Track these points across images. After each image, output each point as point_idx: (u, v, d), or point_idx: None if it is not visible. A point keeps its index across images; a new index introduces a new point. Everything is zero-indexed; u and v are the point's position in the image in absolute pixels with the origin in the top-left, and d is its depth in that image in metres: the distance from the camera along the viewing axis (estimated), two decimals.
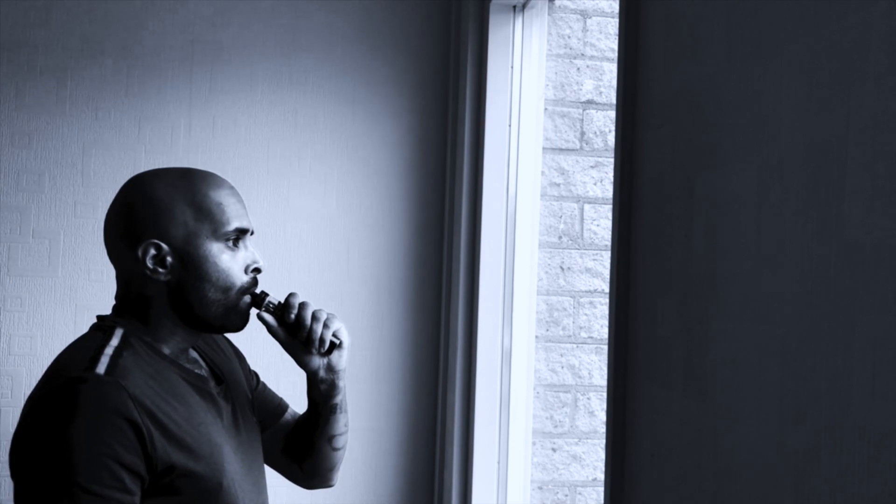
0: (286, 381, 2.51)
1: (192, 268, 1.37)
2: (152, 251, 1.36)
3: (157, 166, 1.56)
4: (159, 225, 1.37)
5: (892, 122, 0.85)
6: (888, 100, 0.85)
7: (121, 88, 2.41)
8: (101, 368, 1.27)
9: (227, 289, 1.39)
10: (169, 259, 1.37)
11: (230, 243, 1.40)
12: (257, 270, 1.44)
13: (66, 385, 1.26)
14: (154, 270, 1.37)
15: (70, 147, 2.38)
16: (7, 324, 2.33)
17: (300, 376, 2.68)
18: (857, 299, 0.89)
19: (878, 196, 0.86)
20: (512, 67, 2.41)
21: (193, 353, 1.49)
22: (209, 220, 1.38)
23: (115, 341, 1.34)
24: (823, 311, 0.94)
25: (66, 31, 2.38)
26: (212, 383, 1.45)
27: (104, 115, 2.40)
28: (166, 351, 1.40)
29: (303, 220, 2.50)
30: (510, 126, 2.42)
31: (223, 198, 1.41)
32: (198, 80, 2.45)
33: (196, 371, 1.44)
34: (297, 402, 2.51)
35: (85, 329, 1.44)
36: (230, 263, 1.40)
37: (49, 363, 1.35)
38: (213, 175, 1.45)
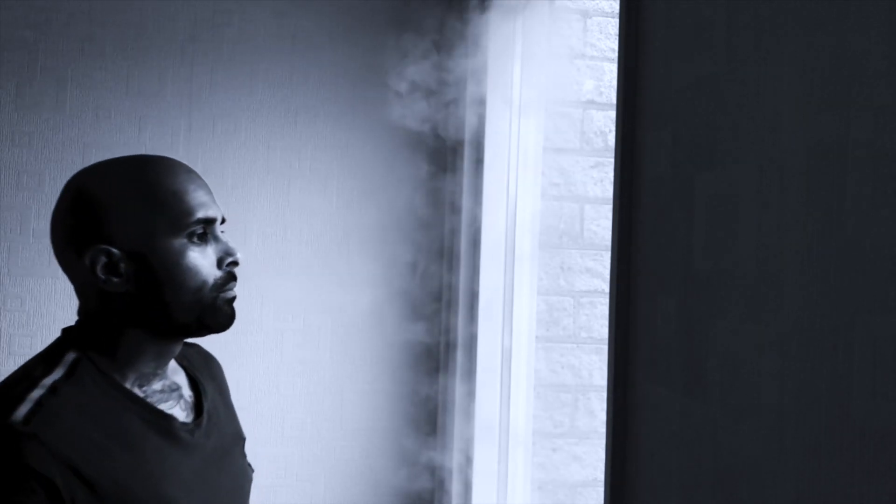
0: (285, 381, 2.51)
1: (151, 272, 1.15)
2: (102, 259, 1.15)
3: None
4: (106, 227, 1.15)
5: (893, 122, 0.85)
6: (888, 100, 0.85)
7: (121, 88, 2.41)
8: (20, 414, 1.07)
9: (197, 289, 1.17)
10: (122, 265, 1.15)
11: (195, 238, 1.18)
12: (234, 264, 1.20)
13: None
14: (107, 281, 1.15)
15: (70, 147, 2.38)
16: (7, 324, 2.33)
17: (300, 376, 2.67)
18: (857, 299, 0.89)
19: (878, 196, 0.86)
20: (512, 67, 2.41)
21: (176, 378, 1.27)
22: (165, 213, 1.16)
23: (57, 373, 1.14)
24: (823, 311, 0.94)
25: (66, 31, 2.38)
26: (179, 421, 1.21)
27: (104, 115, 2.40)
28: (128, 380, 1.19)
29: (303, 218, 2.50)
30: (510, 126, 2.41)
31: (180, 185, 1.18)
32: (198, 80, 2.45)
33: (160, 406, 1.21)
34: (296, 401, 2.51)
35: None
36: (198, 261, 1.17)
37: None
38: (165, 159, 1.21)
